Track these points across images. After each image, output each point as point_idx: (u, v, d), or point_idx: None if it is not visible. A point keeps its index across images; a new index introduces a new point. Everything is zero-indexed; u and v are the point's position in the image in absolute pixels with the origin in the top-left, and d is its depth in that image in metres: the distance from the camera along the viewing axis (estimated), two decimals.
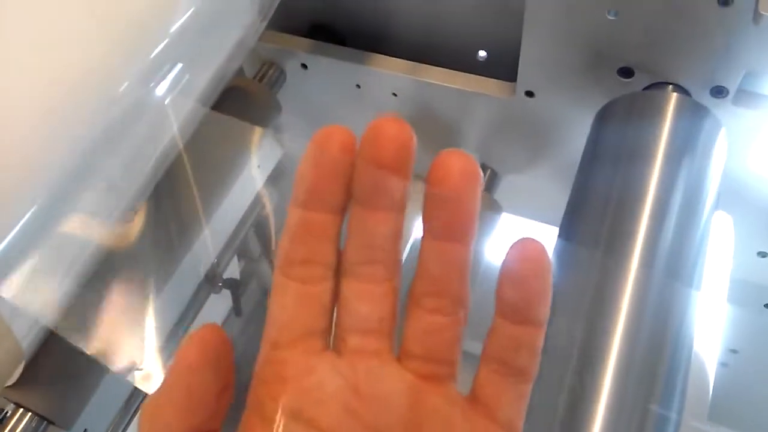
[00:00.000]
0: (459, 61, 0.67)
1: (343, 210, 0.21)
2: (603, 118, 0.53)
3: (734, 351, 0.86)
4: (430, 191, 0.20)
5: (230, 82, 0.69)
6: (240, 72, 0.72)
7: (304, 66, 0.70)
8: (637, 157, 0.48)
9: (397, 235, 0.21)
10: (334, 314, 0.22)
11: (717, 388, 0.92)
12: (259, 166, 0.78)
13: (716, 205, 0.49)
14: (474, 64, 0.68)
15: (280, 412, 0.20)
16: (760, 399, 0.89)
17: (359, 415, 0.20)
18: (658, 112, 0.50)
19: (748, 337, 0.83)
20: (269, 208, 0.99)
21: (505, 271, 0.20)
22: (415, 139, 0.20)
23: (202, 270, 0.72)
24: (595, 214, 0.46)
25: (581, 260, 0.44)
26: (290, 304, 0.21)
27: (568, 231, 0.48)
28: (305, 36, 0.71)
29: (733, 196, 0.59)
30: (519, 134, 0.65)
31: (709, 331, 0.49)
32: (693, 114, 0.50)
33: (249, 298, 1.15)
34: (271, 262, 1.15)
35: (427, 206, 0.21)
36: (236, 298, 0.88)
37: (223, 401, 0.22)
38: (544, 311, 0.21)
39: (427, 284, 0.21)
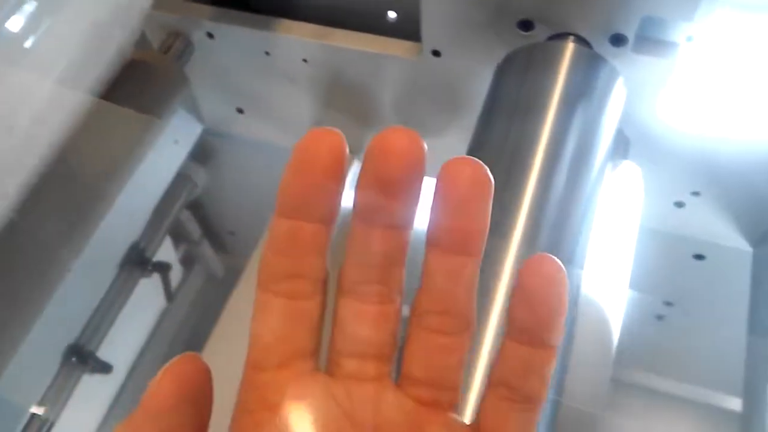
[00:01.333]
0: (369, 23, 0.65)
1: (333, 219, 0.19)
2: (501, 70, 0.52)
3: (669, 303, 0.86)
4: (437, 199, 0.19)
5: (133, 55, 0.66)
6: (145, 44, 0.69)
7: (210, 35, 0.67)
8: (531, 109, 0.46)
9: (402, 255, 0.20)
10: (324, 334, 0.21)
11: (654, 340, 0.94)
12: (176, 142, 0.75)
13: (612, 154, 0.48)
14: (385, 26, 0.66)
15: None
16: (697, 348, 0.90)
17: None
18: (553, 63, 0.48)
19: (682, 289, 0.84)
20: (201, 187, 0.97)
21: (518, 288, 0.19)
22: (426, 153, 0.18)
23: (119, 254, 0.70)
24: (490, 167, 0.45)
25: None
26: (275, 322, 0.19)
27: None
28: (209, 3, 0.68)
29: (645, 146, 0.59)
30: (432, 96, 0.64)
31: (613, 281, 0.49)
32: (588, 64, 0.49)
33: (192, 284, 1.13)
34: (212, 245, 1.13)
35: (434, 215, 0.19)
36: (166, 282, 0.86)
37: None
38: (558, 334, 0.19)
39: (431, 301, 0.20)
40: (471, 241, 0.19)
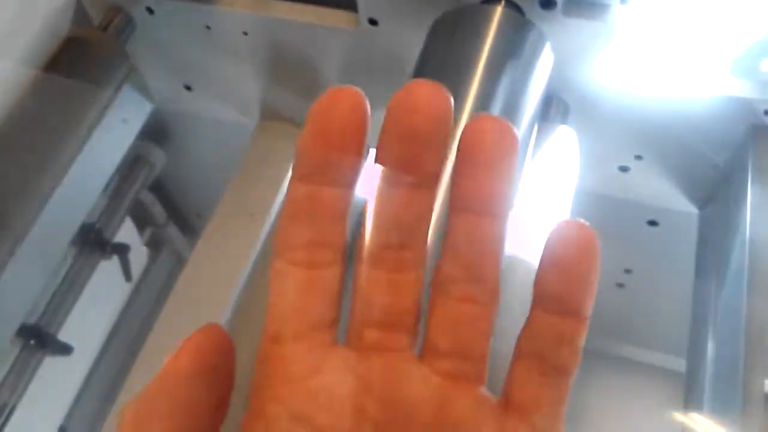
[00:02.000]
0: None
1: (353, 183, 0.19)
2: (432, 32, 0.51)
3: (628, 271, 0.87)
4: (461, 157, 0.18)
5: (71, 32, 0.65)
6: (85, 21, 0.68)
7: (150, 10, 0.67)
8: (457, 72, 0.46)
9: (428, 216, 0.19)
10: (344, 305, 0.20)
11: (615, 307, 0.94)
12: (125, 121, 0.75)
13: (539, 118, 0.48)
14: None
15: (284, 417, 0.18)
16: (657, 314, 0.91)
17: (375, 422, 0.18)
18: (480, 26, 0.48)
19: (640, 255, 0.84)
20: (159, 169, 0.97)
21: (548, 255, 0.18)
22: (452, 104, 0.18)
23: (69, 233, 0.69)
24: None
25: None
26: (293, 292, 0.18)
27: None
28: None
29: (585, 111, 0.59)
30: (373, 66, 0.63)
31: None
32: (515, 28, 0.48)
33: (160, 268, 1.13)
34: (179, 228, 1.13)
35: (458, 174, 0.18)
36: (125, 263, 0.86)
37: (219, 415, 0.19)
38: (590, 302, 0.18)
39: (455, 267, 0.19)
40: (497, 201, 0.18)
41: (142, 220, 1.06)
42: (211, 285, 0.62)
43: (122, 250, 0.86)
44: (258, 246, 0.64)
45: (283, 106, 0.72)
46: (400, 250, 0.19)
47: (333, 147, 0.18)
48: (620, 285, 0.89)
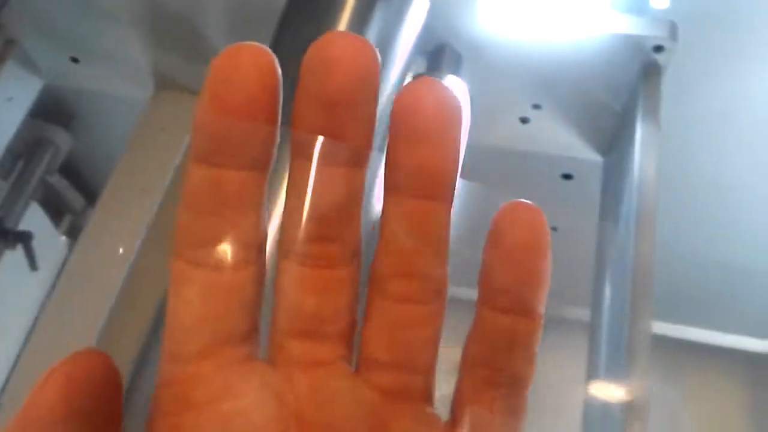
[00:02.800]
0: None
1: (267, 163, 0.15)
2: None
3: (554, 228, 0.86)
4: (395, 128, 0.15)
5: None
6: None
7: None
8: (324, 16, 0.44)
9: (359, 200, 0.15)
10: (260, 313, 0.16)
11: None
12: (10, 99, 0.70)
13: (410, 66, 0.45)
14: None
15: None
16: (587, 270, 0.91)
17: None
18: None
19: (562, 211, 0.83)
20: (65, 151, 0.92)
21: (494, 242, 0.15)
22: (379, 60, 0.14)
23: None
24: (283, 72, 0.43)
25: None
26: (197, 299, 0.15)
27: None
28: None
29: (477, 60, 0.56)
30: (260, 21, 0.60)
31: None
32: None
33: None
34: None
35: (392, 151, 0.15)
36: (29, 251, 0.81)
37: None
38: (544, 297, 0.15)
39: (393, 261, 0.15)
40: (440, 180, 0.15)
41: (58, 208, 1.02)
42: (102, 264, 0.59)
43: (25, 238, 0.81)
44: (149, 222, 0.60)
45: (177, 73, 0.68)
46: (327, 243, 0.15)
47: (236, 117, 0.14)
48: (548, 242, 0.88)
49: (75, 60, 0.71)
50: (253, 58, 0.14)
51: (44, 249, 0.90)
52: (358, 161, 0.15)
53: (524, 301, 0.15)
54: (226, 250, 0.15)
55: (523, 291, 0.15)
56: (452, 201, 0.15)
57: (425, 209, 0.15)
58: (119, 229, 0.61)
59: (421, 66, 0.56)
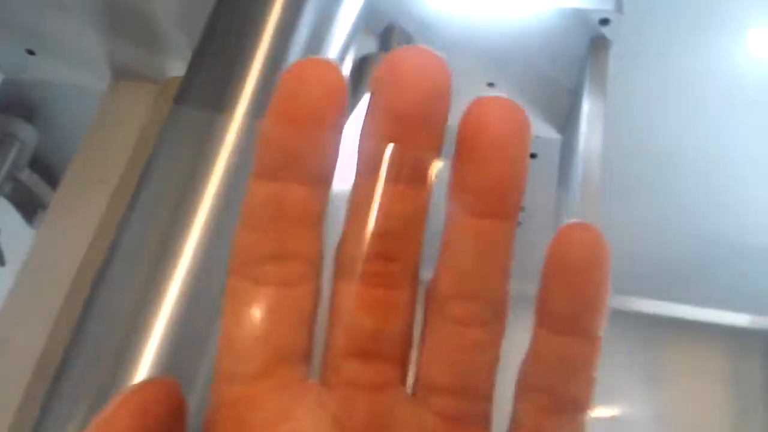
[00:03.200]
0: None
1: (329, 179, 0.15)
2: None
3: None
4: (461, 147, 0.15)
5: None
6: None
7: None
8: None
9: (423, 218, 0.15)
10: (318, 332, 0.16)
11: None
12: None
13: (348, 48, 0.45)
14: None
15: None
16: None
17: None
18: None
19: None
20: (32, 146, 0.92)
21: (552, 265, 0.15)
22: (450, 73, 0.14)
23: None
24: (216, 57, 0.42)
25: None
26: (254, 317, 0.15)
27: None
28: None
29: (427, 40, 0.56)
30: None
31: None
32: None
33: None
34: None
35: (459, 169, 0.15)
36: None
37: None
38: (603, 319, 0.15)
39: (455, 281, 0.15)
40: (508, 200, 0.15)
41: (29, 204, 1.01)
42: (59, 256, 0.59)
43: None
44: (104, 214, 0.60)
45: (133, 63, 0.68)
46: (389, 262, 0.15)
47: (304, 131, 0.14)
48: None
49: (31, 52, 0.70)
50: (323, 73, 0.14)
51: (15, 244, 0.90)
52: (427, 178, 0.15)
53: (585, 324, 0.15)
54: (287, 267, 0.15)
55: (585, 314, 0.15)
56: (517, 219, 0.15)
57: (492, 229, 0.15)
58: (77, 220, 0.61)
59: (372, 47, 0.56)
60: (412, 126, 0.14)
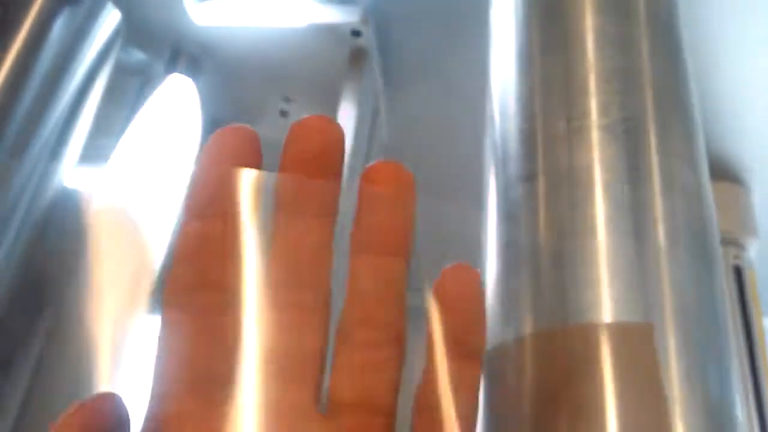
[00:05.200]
0: None
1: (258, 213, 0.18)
2: None
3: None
4: (361, 195, 0.18)
5: None
6: None
7: None
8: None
9: (327, 249, 0.18)
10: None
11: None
12: None
13: (97, 71, 0.48)
14: None
15: None
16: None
17: None
18: None
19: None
20: None
21: (438, 297, 0.18)
22: (344, 136, 0.18)
23: None
24: None
25: None
26: (185, 341, 0.17)
27: None
28: None
29: (214, 58, 0.59)
30: None
31: None
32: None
33: None
34: None
35: (358, 216, 0.18)
36: None
37: None
38: (483, 339, 0.18)
39: (358, 311, 0.18)
40: (398, 238, 0.18)
41: None
42: None
43: None
44: None
45: None
46: (300, 288, 0.17)
47: (226, 174, 0.18)
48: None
49: None
50: (243, 132, 0.18)
51: None
52: (329, 213, 0.18)
53: (468, 342, 0.18)
54: (212, 295, 0.17)
55: (468, 333, 0.18)
56: (408, 257, 0.18)
57: (387, 264, 0.18)
58: None
59: (159, 71, 0.59)
60: (317, 165, 0.18)
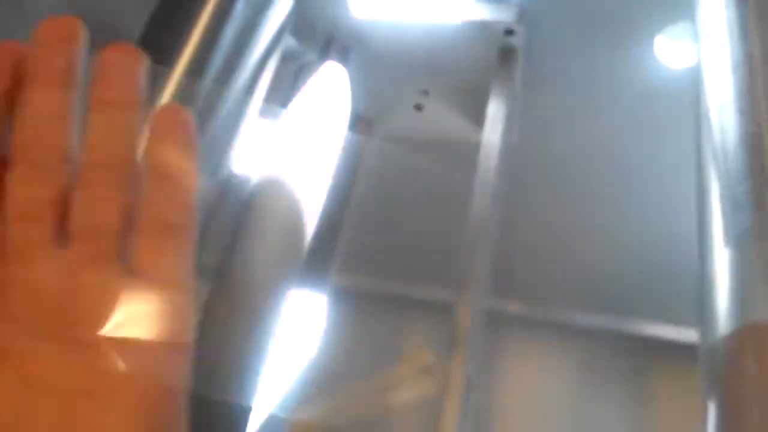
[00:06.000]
0: None
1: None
2: None
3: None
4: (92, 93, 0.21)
5: None
6: None
7: None
8: (185, 17, 0.50)
9: (65, 117, 0.20)
10: None
11: None
12: None
13: (271, 53, 0.51)
14: None
15: None
16: None
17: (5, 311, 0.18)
18: None
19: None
20: None
21: (150, 133, 0.21)
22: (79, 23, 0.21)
23: None
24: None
25: None
26: None
27: None
28: None
29: (363, 49, 0.62)
30: None
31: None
32: None
33: None
34: None
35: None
36: None
37: None
38: (192, 164, 0.21)
39: (88, 153, 0.20)
40: (125, 95, 0.21)
41: None
42: None
43: None
44: None
45: None
46: (39, 148, 0.20)
47: None
48: None
49: None
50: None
51: None
52: (68, 83, 0.20)
53: (174, 163, 0.21)
54: None
55: (172, 157, 0.21)
56: (138, 111, 0.21)
57: (116, 116, 0.21)
58: None
59: (312, 58, 0.63)
60: (53, 42, 0.20)
